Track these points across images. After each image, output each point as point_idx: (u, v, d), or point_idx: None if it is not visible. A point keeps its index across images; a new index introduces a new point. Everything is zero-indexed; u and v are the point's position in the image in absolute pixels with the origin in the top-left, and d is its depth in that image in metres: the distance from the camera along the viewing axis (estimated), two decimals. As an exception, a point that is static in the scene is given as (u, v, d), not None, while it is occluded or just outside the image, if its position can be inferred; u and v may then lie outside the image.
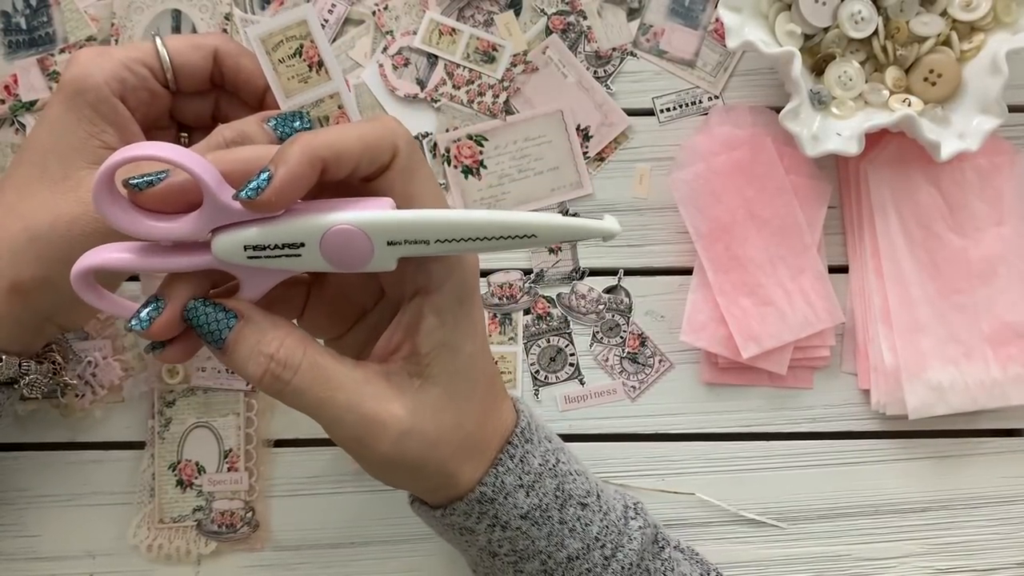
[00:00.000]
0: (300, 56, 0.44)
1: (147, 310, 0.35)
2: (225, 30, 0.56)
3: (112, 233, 0.38)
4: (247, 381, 0.36)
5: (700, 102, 0.57)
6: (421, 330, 0.38)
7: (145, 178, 0.34)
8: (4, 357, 0.45)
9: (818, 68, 0.54)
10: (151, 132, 0.46)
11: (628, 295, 0.57)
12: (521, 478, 0.42)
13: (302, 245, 0.34)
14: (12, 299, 0.43)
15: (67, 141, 0.42)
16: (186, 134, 0.49)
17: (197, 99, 0.47)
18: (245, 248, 0.34)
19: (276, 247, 0.34)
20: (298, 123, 0.44)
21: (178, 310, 0.36)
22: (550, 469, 0.43)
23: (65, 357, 0.50)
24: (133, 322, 0.35)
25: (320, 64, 0.44)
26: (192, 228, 0.34)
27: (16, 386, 0.47)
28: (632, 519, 0.46)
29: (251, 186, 0.33)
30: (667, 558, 0.47)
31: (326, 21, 0.57)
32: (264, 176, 0.33)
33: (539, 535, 0.43)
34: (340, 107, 0.45)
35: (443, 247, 0.35)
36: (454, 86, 0.57)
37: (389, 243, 0.35)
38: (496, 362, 0.47)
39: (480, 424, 0.41)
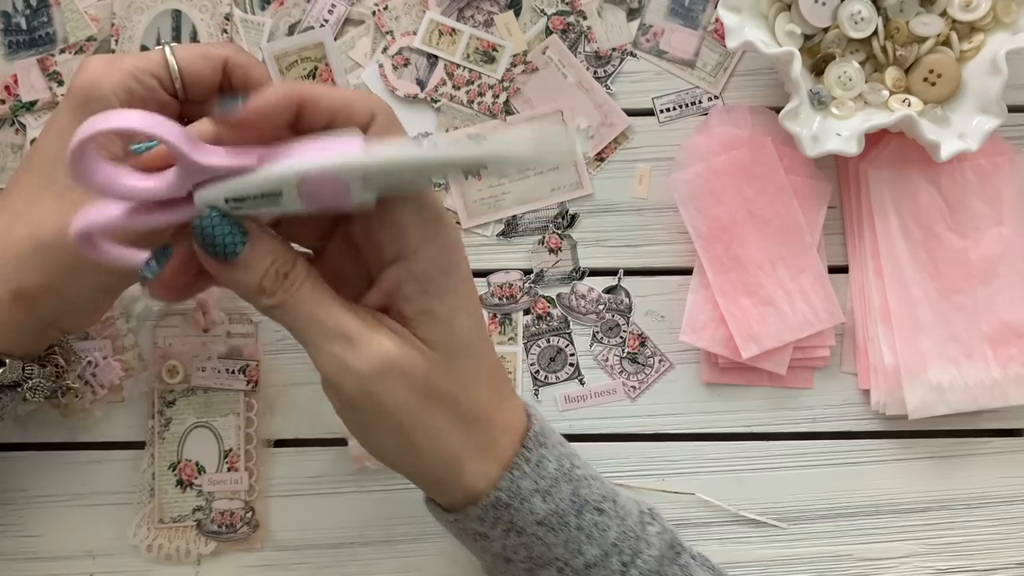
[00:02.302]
0: (313, 78, 0.43)
1: (155, 258, 0.37)
2: (225, 31, 0.56)
3: (116, 236, 0.38)
4: (247, 294, 0.37)
5: (700, 102, 0.57)
6: (401, 295, 0.38)
7: (146, 144, 0.36)
8: (8, 361, 0.45)
9: (818, 68, 0.54)
10: None
11: (628, 295, 0.57)
12: (537, 483, 0.41)
13: (279, 194, 0.35)
14: (16, 305, 0.43)
15: None
16: None
17: (206, 106, 0.47)
18: (227, 201, 0.35)
19: (256, 197, 0.35)
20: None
21: (187, 251, 0.36)
22: (565, 474, 0.43)
23: (68, 359, 0.50)
24: (145, 271, 0.36)
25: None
26: (167, 186, 0.35)
27: (19, 389, 0.47)
28: (649, 524, 0.46)
29: (228, 103, 0.34)
30: (683, 564, 0.46)
31: (326, 21, 0.57)
32: (239, 99, 0.34)
33: (556, 541, 0.42)
34: None
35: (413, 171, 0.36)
36: (454, 86, 0.57)
37: (364, 179, 0.35)
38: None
39: (485, 414, 0.40)
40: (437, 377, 0.38)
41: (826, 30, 0.53)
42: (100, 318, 0.52)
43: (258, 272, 0.36)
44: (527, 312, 0.56)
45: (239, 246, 0.36)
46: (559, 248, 0.57)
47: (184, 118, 0.47)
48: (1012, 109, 0.53)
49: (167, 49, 0.44)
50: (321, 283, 0.38)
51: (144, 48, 0.56)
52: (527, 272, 0.57)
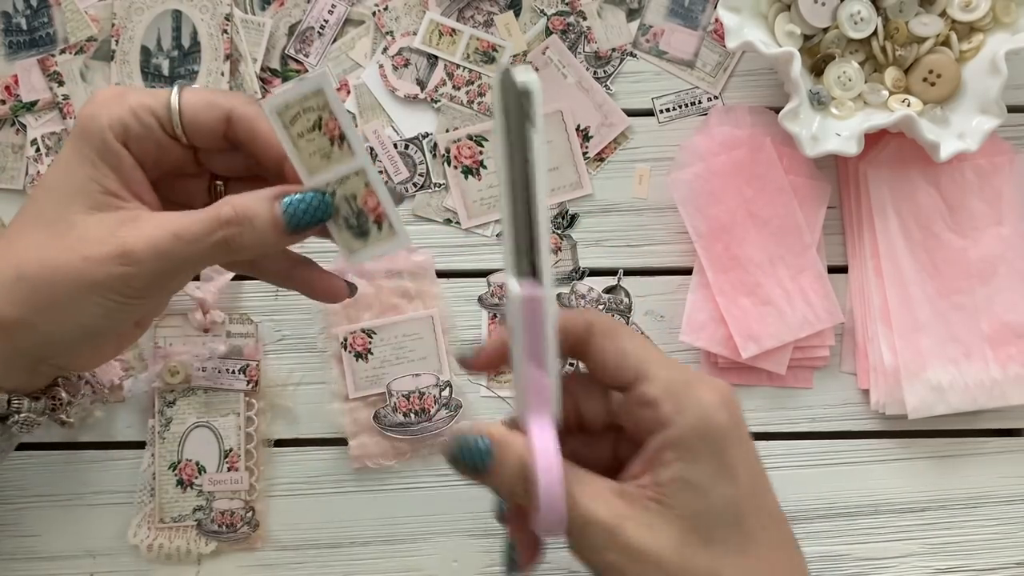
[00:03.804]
0: (320, 130, 0.39)
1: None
2: (225, 31, 0.56)
3: (96, 285, 0.39)
4: (505, 498, 0.38)
5: (700, 102, 0.57)
6: (659, 461, 0.37)
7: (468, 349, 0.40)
8: None
9: (817, 68, 0.54)
10: (176, 180, 0.44)
11: (628, 295, 0.57)
12: None
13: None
14: None
15: (68, 182, 0.41)
16: (221, 183, 0.45)
17: (221, 154, 0.44)
18: None
19: None
20: (317, 204, 0.40)
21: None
22: None
23: (73, 393, 0.47)
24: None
25: (342, 138, 0.39)
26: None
27: (7, 423, 0.44)
28: None
29: (466, 353, 0.40)
30: None
31: (326, 22, 0.57)
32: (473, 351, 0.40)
33: None
34: (367, 184, 0.39)
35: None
36: (454, 86, 0.57)
37: None
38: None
39: None
40: (689, 552, 0.36)
41: (826, 30, 0.53)
42: (103, 360, 0.48)
43: (505, 480, 0.37)
44: (527, 312, 0.56)
45: (485, 462, 0.37)
46: (559, 248, 0.57)
47: (201, 165, 0.45)
48: (1011, 109, 0.54)
49: (175, 90, 0.42)
50: (572, 473, 0.37)
51: (144, 49, 0.56)
52: (527, 272, 0.57)
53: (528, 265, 0.35)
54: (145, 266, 0.39)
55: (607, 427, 0.42)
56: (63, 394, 0.46)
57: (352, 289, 0.46)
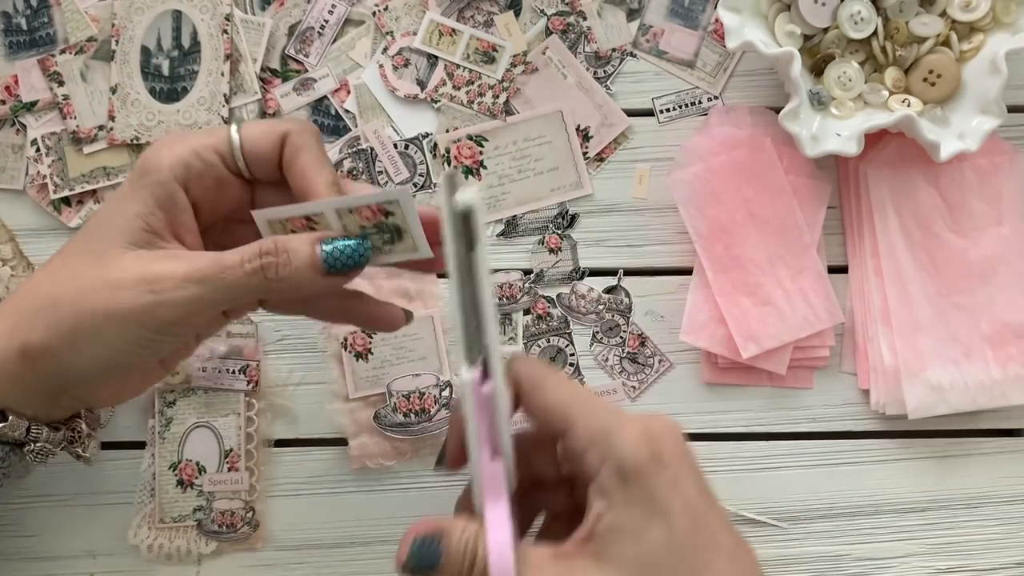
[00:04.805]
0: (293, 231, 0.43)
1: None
2: (225, 31, 0.56)
3: (120, 313, 0.39)
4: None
5: (700, 102, 0.57)
6: (593, 514, 0.37)
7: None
8: (11, 418, 0.43)
9: (817, 68, 0.54)
10: (228, 226, 0.45)
11: (628, 295, 0.57)
12: None
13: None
14: (20, 361, 0.41)
15: (116, 219, 0.42)
16: None
17: (276, 194, 0.45)
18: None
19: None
20: (355, 248, 0.41)
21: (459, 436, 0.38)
22: None
23: (93, 427, 0.47)
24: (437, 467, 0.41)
25: (308, 219, 0.42)
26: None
27: (23, 449, 0.44)
28: None
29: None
30: None
31: (326, 22, 0.57)
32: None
33: None
34: (349, 210, 0.42)
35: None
36: (454, 87, 0.57)
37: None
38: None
39: None
40: None
41: (826, 30, 0.53)
42: (128, 397, 0.48)
43: (453, 567, 0.37)
44: (527, 312, 0.57)
45: (435, 564, 0.37)
46: (559, 248, 0.57)
47: (254, 200, 0.46)
48: (1011, 109, 0.54)
49: (233, 127, 0.43)
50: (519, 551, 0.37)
51: (144, 49, 0.56)
52: (527, 272, 0.57)
53: (478, 353, 0.35)
54: (172, 295, 0.40)
55: (564, 478, 0.41)
56: (83, 427, 0.47)
57: (409, 315, 0.46)
